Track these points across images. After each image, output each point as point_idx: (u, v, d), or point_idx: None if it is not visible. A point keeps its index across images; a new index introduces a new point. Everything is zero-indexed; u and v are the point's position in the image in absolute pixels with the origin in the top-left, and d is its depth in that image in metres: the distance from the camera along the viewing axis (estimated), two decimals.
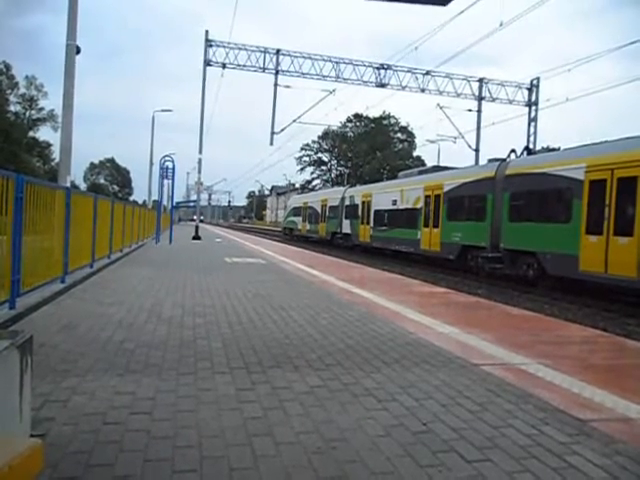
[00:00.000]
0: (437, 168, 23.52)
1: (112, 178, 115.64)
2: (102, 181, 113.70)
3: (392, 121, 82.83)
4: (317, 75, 28.15)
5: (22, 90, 66.76)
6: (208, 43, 26.79)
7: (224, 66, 27.23)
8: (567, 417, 3.15)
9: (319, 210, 35.72)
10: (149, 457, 2.43)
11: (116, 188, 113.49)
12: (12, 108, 65.31)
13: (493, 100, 30.30)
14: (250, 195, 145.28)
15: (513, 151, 17.58)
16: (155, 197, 38.88)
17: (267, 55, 27.58)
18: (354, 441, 2.70)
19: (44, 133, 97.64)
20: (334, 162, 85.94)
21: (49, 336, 4.58)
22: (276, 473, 2.33)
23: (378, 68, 28.72)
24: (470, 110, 30.59)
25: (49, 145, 69.46)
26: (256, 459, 2.45)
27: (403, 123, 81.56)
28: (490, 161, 18.34)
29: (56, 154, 57.79)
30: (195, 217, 31.05)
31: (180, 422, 2.84)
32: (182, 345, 4.52)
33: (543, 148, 23.34)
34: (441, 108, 30.07)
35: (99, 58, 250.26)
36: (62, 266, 7.62)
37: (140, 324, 5.32)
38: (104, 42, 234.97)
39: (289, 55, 27.78)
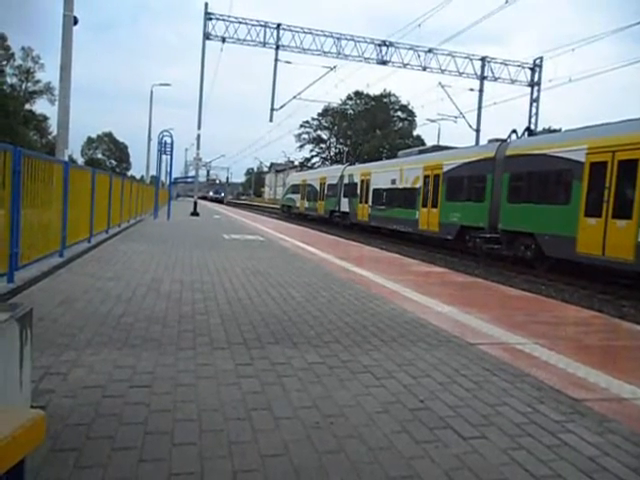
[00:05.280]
0: (437, 148, 23.35)
1: (110, 153, 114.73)
2: (100, 156, 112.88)
3: (393, 99, 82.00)
4: (318, 51, 27.74)
5: (18, 62, 65.82)
6: (208, 16, 26.29)
7: (224, 40, 26.78)
8: (562, 396, 3.19)
9: (318, 188, 35.57)
10: (149, 430, 2.45)
11: (114, 163, 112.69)
12: (8, 80, 64.47)
13: (495, 80, 29.96)
14: (249, 172, 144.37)
15: (514, 132, 17.47)
16: (153, 172, 38.72)
17: (267, 30, 27.12)
18: (352, 417, 2.73)
19: (41, 106, 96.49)
20: (333, 140, 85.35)
21: (48, 310, 4.59)
22: (275, 447, 2.36)
23: (380, 45, 28.29)
24: (472, 89, 30.29)
25: (46, 118, 68.86)
26: (255, 433, 2.48)
27: (404, 101, 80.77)
28: (490, 141, 18.21)
29: (53, 127, 57.32)
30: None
31: (180, 396, 2.86)
32: (181, 320, 4.54)
33: (544, 129, 23.22)
34: (442, 87, 29.78)
35: (98, 30, 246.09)
36: (60, 240, 7.60)
37: (139, 299, 5.34)
38: (102, 14, 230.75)
39: (290, 30, 27.31)
